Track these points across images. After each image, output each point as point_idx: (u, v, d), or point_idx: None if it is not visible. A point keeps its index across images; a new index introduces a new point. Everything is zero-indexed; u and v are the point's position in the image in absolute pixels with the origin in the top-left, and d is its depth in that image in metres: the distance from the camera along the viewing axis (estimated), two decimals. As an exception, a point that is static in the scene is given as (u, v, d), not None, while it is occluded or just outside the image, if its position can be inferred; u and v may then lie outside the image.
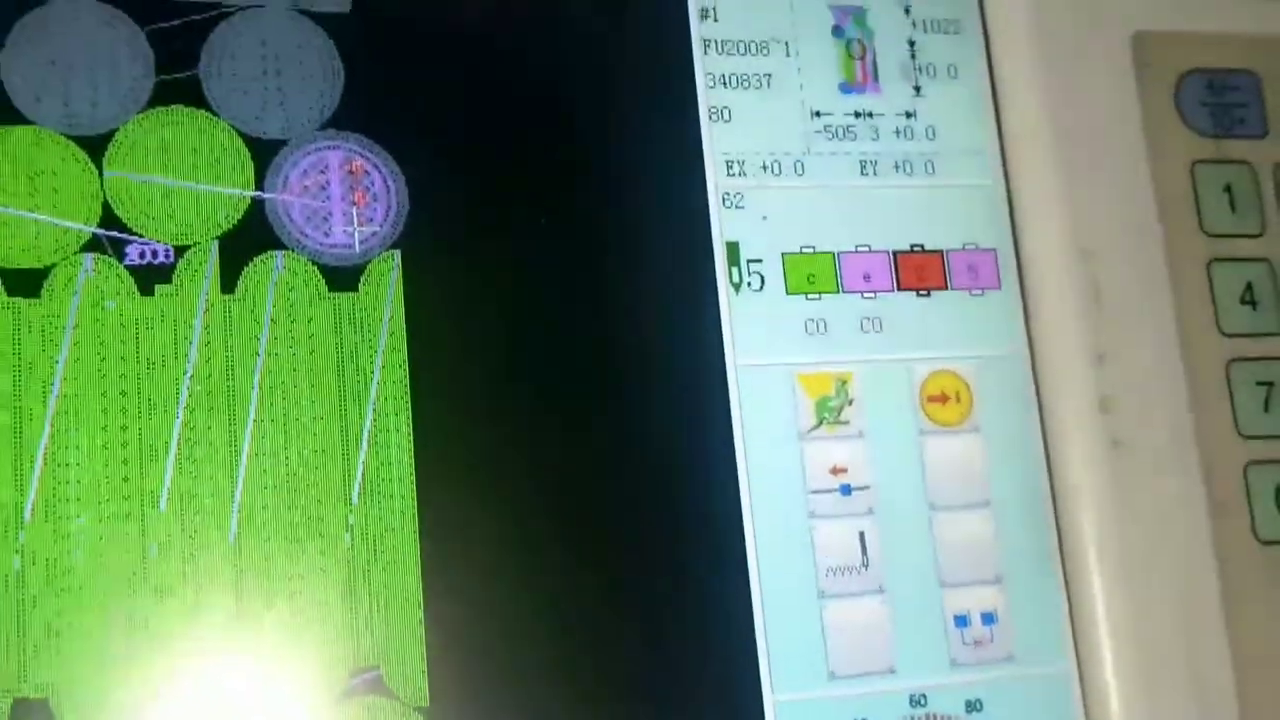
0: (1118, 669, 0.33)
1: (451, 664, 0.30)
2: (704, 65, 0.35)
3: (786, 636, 0.32)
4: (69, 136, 0.30)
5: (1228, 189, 0.37)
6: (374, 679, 0.29)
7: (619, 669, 0.31)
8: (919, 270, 0.35)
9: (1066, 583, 0.34)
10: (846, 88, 0.36)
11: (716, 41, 0.35)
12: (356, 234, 0.31)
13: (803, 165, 0.35)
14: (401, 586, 0.30)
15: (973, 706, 0.33)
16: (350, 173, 0.31)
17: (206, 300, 0.30)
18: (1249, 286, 0.36)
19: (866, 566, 0.33)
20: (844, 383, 0.34)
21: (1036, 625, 0.34)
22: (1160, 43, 0.37)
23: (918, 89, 0.36)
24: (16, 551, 0.28)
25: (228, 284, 0.30)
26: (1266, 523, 0.35)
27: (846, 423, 0.34)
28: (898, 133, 0.36)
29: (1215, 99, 0.37)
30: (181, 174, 0.30)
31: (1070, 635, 0.34)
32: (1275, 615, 0.34)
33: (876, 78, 0.36)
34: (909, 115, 0.36)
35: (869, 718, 0.32)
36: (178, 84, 0.31)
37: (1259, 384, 0.36)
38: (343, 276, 0.31)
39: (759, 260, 0.34)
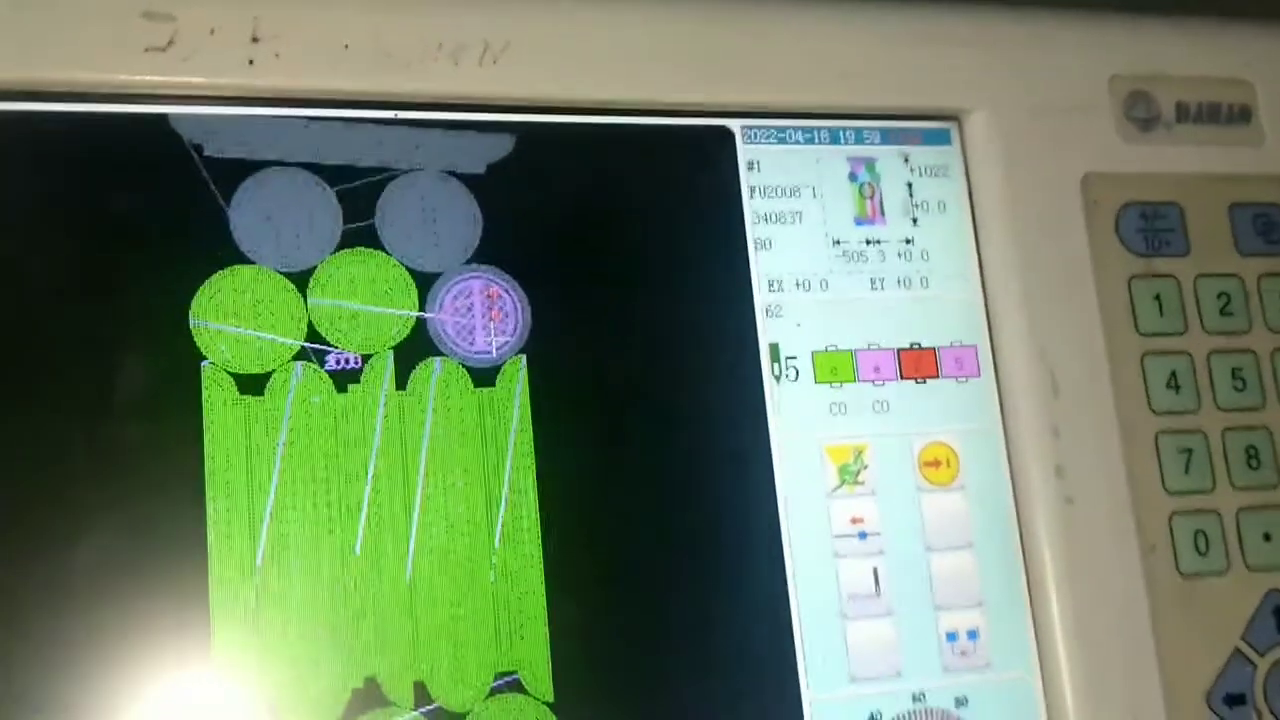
0: (1070, 674, 0.42)
1: (571, 669, 0.39)
2: (750, 206, 0.44)
3: (818, 648, 0.41)
4: (281, 273, 0.39)
5: (1157, 298, 0.45)
6: (514, 681, 0.39)
7: (690, 672, 0.40)
8: (917, 363, 0.44)
9: (1032, 607, 0.43)
10: (860, 221, 0.45)
11: (760, 187, 0.44)
12: (494, 343, 0.41)
13: (827, 282, 0.44)
14: (533, 611, 0.39)
15: (960, 702, 0.42)
16: (489, 296, 0.41)
17: (385, 396, 0.39)
18: (1173, 374, 0.44)
19: (879, 595, 0.42)
20: (860, 452, 0.43)
21: (1009, 640, 0.42)
22: (1104, 182, 0.46)
23: (915, 221, 0.45)
24: (254, 588, 0.37)
25: (401, 382, 0.39)
26: (1186, 560, 0.43)
27: (863, 483, 0.43)
28: (900, 255, 0.45)
29: (1147, 226, 0.46)
30: (365, 299, 0.40)
31: (1035, 648, 0.42)
32: (1192, 631, 0.43)
33: (883, 213, 0.45)
34: (909, 242, 0.45)
35: (881, 710, 0.41)
36: (360, 231, 0.40)
37: (1180, 450, 0.44)
38: (484, 375, 0.40)
39: (794, 357, 0.43)
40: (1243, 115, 0.48)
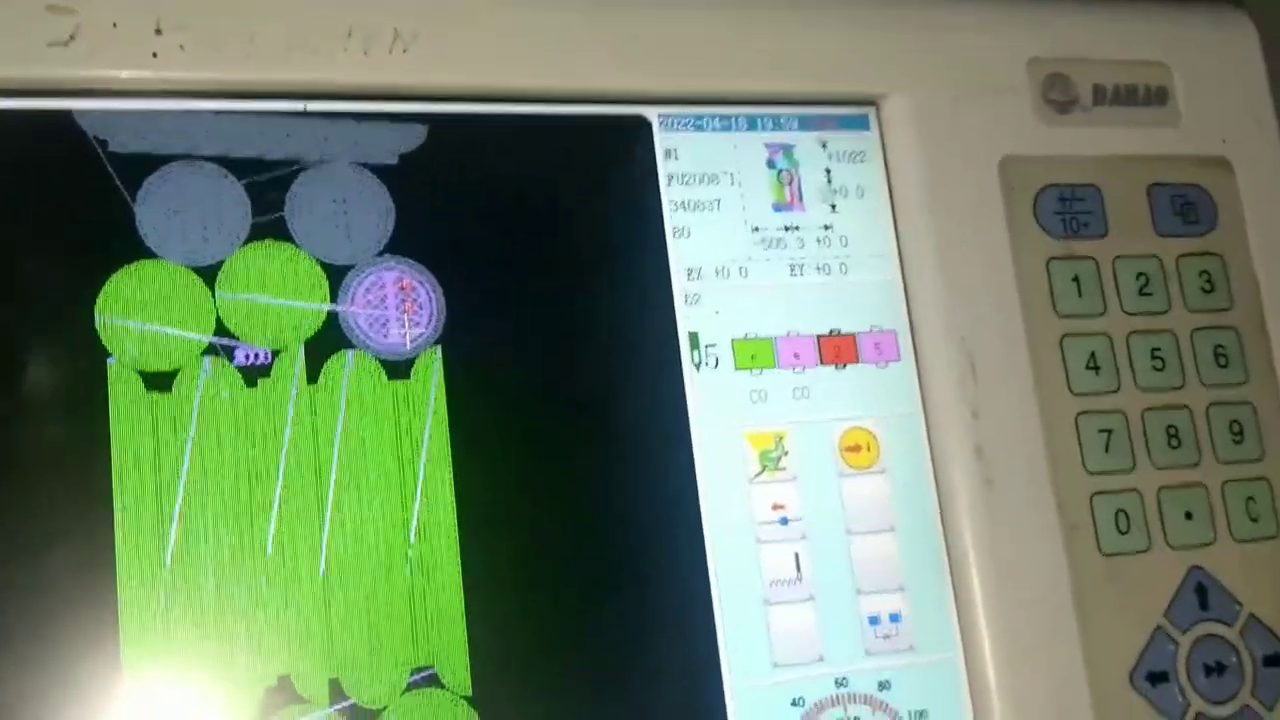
0: (993, 654, 0.42)
1: (489, 662, 0.39)
2: (669, 194, 0.43)
3: (740, 636, 0.41)
4: (189, 267, 0.39)
5: (1075, 279, 0.45)
6: (430, 675, 0.38)
7: (612, 662, 0.40)
8: (837, 349, 0.44)
9: (954, 589, 0.43)
10: (778, 207, 0.44)
11: (678, 175, 0.44)
12: (408, 335, 0.40)
13: (746, 269, 0.44)
14: (450, 605, 0.39)
15: (884, 685, 0.42)
16: (402, 288, 0.40)
17: (296, 390, 0.39)
18: (1093, 355, 0.45)
19: (800, 580, 0.42)
20: (781, 439, 0.43)
21: (931, 622, 0.42)
22: (1021, 165, 0.46)
23: (834, 207, 0.45)
24: (162, 588, 0.37)
25: (312, 376, 0.39)
26: (1108, 539, 0.43)
27: (784, 469, 0.42)
28: (819, 241, 0.45)
29: (1065, 208, 0.46)
30: (275, 293, 0.39)
31: (958, 629, 0.42)
32: (1114, 609, 0.43)
33: (802, 199, 0.45)
34: (828, 228, 0.45)
35: (805, 696, 0.41)
36: (269, 224, 0.40)
37: (1100, 430, 0.44)
38: (399, 368, 0.40)
39: (714, 345, 0.43)
40: (1159, 97, 0.49)
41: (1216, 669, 0.44)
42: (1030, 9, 0.48)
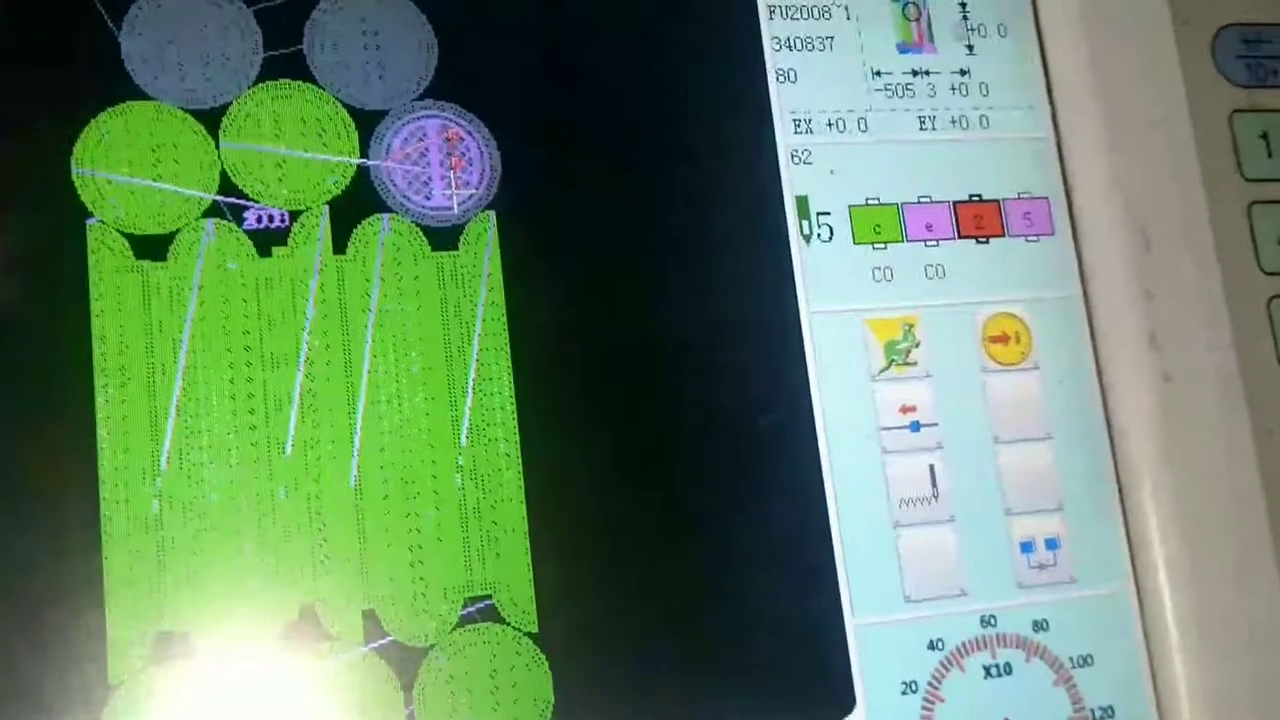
0: (1172, 590, 0.35)
1: (558, 592, 0.31)
2: (770, 29, 0.36)
3: (864, 564, 0.34)
4: (187, 110, 0.32)
5: (1264, 136, 0.38)
6: (487, 607, 0.31)
7: (708, 596, 0.33)
8: (978, 219, 0.37)
9: (1124, 510, 0.36)
10: (904, 48, 0.37)
11: (781, 7, 0.36)
12: (455, 197, 0.33)
13: (865, 122, 0.36)
14: (510, 522, 0.32)
15: (1039, 626, 0.35)
16: (447, 140, 0.33)
17: (320, 261, 0.32)
18: None
19: (937, 498, 0.35)
20: (910, 326, 0.36)
21: (1095, 549, 0.35)
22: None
23: (970, 48, 0.38)
24: (155, 496, 0.30)
25: (339, 245, 0.32)
26: None
27: (914, 364, 0.35)
28: (953, 89, 0.37)
29: (1250, 52, 0.39)
30: (291, 143, 0.32)
31: (1129, 559, 0.35)
32: None
33: (932, 38, 0.37)
34: (963, 73, 0.37)
35: (944, 638, 0.34)
36: (284, 59, 0.33)
37: None
38: (444, 236, 0.33)
39: (827, 213, 0.36)
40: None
41: None
42: None
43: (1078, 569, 0.35)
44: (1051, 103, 0.38)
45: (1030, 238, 0.37)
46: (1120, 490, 0.36)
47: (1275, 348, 0.37)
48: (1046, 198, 0.37)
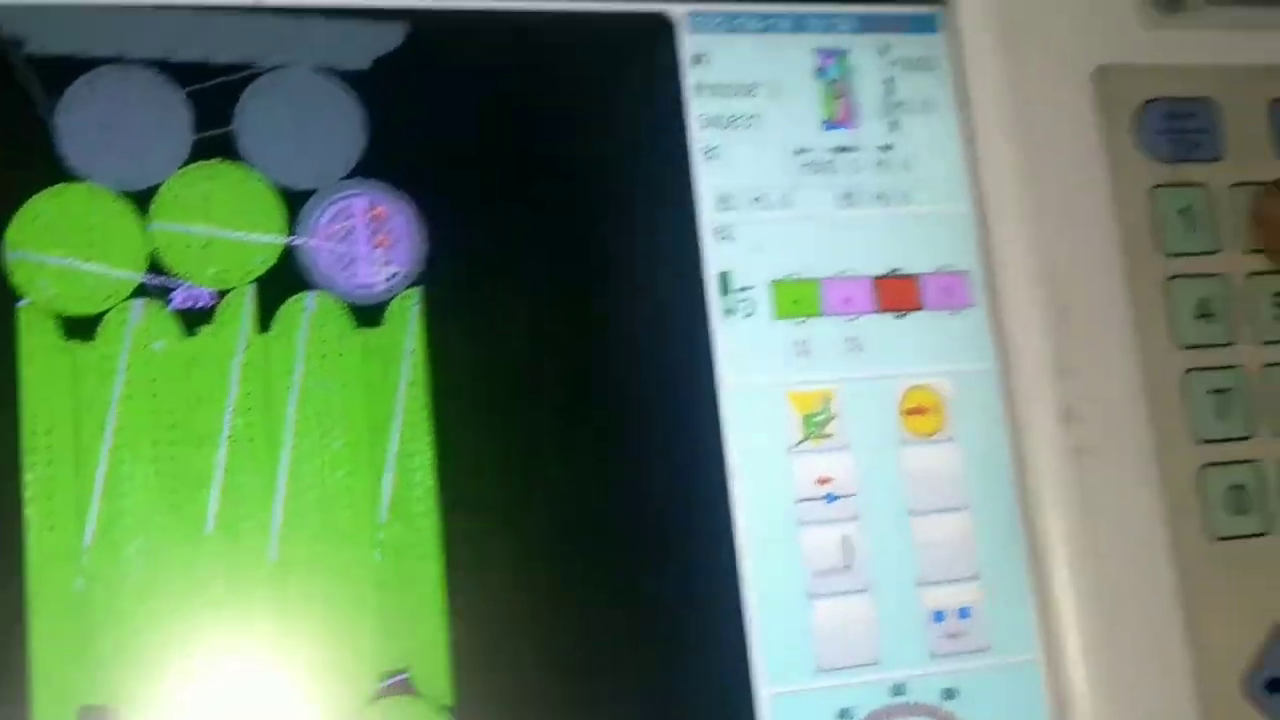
0: (1084, 657, 0.36)
1: (474, 666, 0.32)
2: (695, 108, 0.37)
3: (777, 634, 0.35)
4: (119, 192, 0.33)
5: (1185, 211, 0.39)
6: (403, 681, 0.32)
7: (623, 667, 0.34)
8: (897, 293, 0.37)
9: (1036, 579, 0.36)
10: (829, 124, 0.38)
11: (707, 85, 0.37)
12: (380, 274, 0.34)
13: (788, 198, 0.37)
14: (428, 596, 0.33)
15: (949, 694, 0.36)
16: (374, 217, 0.34)
17: (245, 339, 0.33)
18: (1205, 301, 0.38)
19: (851, 568, 0.36)
20: (828, 399, 0.36)
21: (1008, 618, 0.36)
22: (1121, 75, 0.39)
23: (895, 124, 0.38)
24: (80, 573, 0.31)
25: (264, 323, 0.33)
26: (1218, 521, 0.37)
27: (831, 435, 0.36)
28: (877, 165, 0.38)
29: (1173, 126, 0.39)
30: (220, 223, 0.33)
31: (1040, 627, 0.36)
32: (1227, 604, 0.37)
33: (857, 115, 0.38)
34: (887, 148, 0.38)
35: (855, 706, 0.35)
36: (215, 140, 0.34)
37: (1213, 392, 0.38)
38: (368, 313, 0.34)
39: (749, 288, 0.36)
40: (1288, -6, 0.41)
41: (1353, 673, 0.37)
42: (1134, -113, 0.41)
43: (990, 638, 0.36)
44: (974, 179, 0.39)
45: (950, 311, 0.38)
46: (1033, 561, 0.37)
47: (1189, 421, 0.38)
48: (966, 271, 0.38)
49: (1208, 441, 0.38)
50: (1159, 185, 0.39)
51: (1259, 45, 0.41)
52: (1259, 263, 0.39)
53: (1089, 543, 0.36)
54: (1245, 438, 0.38)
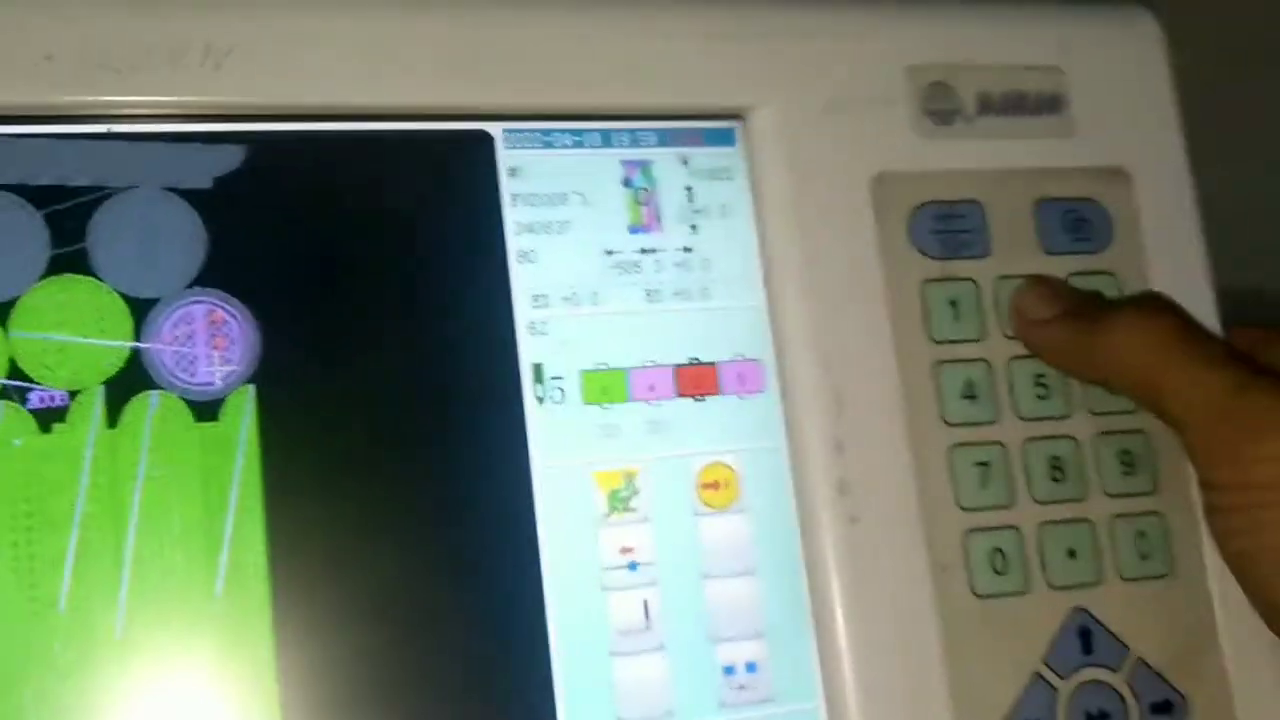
0: (858, 704, 0.39)
1: (302, 724, 0.36)
2: (512, 215, 0.41)
3: (581, 689, 0.38)
4: (-22, 304, 0.36)
5: (953, 303, 0.43)
6: (239, 739, 0.36)
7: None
8: (696, 380, 0.41)
9: (816, 635, 0.40)
10: (635, 228, 0.42)
11: (523, 195, 0.41)
12: (218, 373, 0.38)
13: (598, 296, 0.41)
14: (260, 662, 0.36)
15: (738, 740, 0.40)
16: (212, 322, 0.38)
17: (95, 434, 0.36)
18: (970, 382, 0.42)
19: (649, 628, 0.40)
20: (631, 477, 0.41)
21: (791, 671, 0.40)
22: (896, 181, 0.43)
23: (694, 227, 0.42)
24: (-58, 648, 0.34)
25: (112, 420, 0.37)
26: (982, 579, 0.41)
27: (634, 510, 0.40)
28: (678, 265, 0.42)
29: (944, 227, 0.43)
30: (74, 330, 0.37)
31: (820, 678, 0.40)
32: (988, 655, 0.41)
33: (660, 220, 0.42)
34: (688, 250, 0.42)
35: (651, 755, 0.39)
36: (70, 255, 0.37)
37: (976, 464, 0.42)
38: (206, 409, 0.37)
39: (560, 377, 0.40)
40: (1052, 105, 0.46)
41: (1099, 717, 0.42)
42: (909, 12, 0.45)
43: (775, 689, 0.40)
44: (765, 276, 0.43)
45: (743, 395, 0.42)
46: (814, 619, 0.40)
47: (953, 490, 0.42)
48: (760, 360, 0.42)
49: (971, 509, 0.42)
50: (929, 280, 0.43)
51: (1025, 150, 0.45)
52: (1021, 348, 0.44)
53: (864, 602, 0.40)
54: (1006, 506, 0.42)
